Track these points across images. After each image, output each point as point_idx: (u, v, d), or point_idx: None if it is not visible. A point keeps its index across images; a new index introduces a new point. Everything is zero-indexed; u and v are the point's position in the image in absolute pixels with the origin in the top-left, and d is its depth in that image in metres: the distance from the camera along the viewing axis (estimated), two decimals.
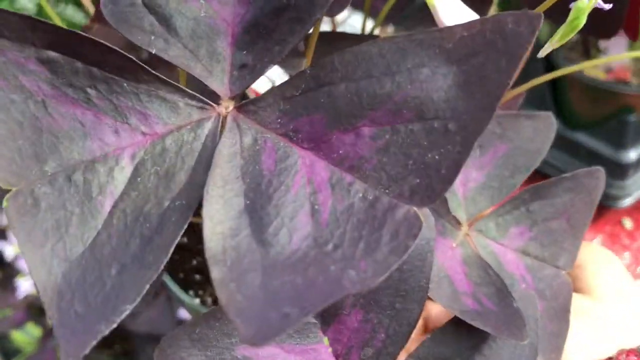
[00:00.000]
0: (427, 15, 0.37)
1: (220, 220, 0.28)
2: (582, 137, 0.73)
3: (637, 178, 0.73)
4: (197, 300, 0.50)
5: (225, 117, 0.31)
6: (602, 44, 0.72)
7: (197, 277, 0.52)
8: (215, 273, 0.25)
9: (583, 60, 0.72)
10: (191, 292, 0.51)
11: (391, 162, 0.28)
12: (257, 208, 0.28)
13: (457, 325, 0.37)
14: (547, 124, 0.44)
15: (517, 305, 0.37)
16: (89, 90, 0.30)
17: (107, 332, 0.24)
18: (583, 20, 0.33)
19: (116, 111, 0.30)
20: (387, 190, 0.28)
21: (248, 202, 0.28)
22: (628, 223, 0.76)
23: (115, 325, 0.24)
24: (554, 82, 0.74)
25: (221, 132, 0.30)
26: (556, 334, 0.40)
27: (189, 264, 0.53)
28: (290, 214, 0.28)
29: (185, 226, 0.28)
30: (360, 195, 0.28)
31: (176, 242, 0.28)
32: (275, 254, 0.27)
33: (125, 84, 0.30)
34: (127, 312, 0.25)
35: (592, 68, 0.72)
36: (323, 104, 0.30)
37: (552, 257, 0.43)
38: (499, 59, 0.27)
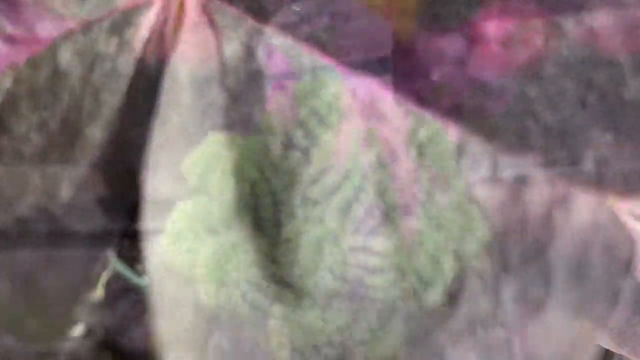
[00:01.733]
0: None
1: (176, 231, 0.12)
2: None
3: None
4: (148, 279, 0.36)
5: (182, 2, 0.15)
6: None
7: None
8: None
9: None
10: (139, 267, 0.36)
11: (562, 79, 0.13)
12: (263, 204, 0.13)
13: None
14: None
15: None
16: None
17: None
18: None
19: None
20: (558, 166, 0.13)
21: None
22: None
23: None
24: None
25: (175, 35, 0.14)
26: None
27: None
28: (338, 216, 0.13)
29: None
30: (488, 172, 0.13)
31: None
32: (316, 330, 0.12)
33: None
34: None
35: None
36: None
37: None
38: None
